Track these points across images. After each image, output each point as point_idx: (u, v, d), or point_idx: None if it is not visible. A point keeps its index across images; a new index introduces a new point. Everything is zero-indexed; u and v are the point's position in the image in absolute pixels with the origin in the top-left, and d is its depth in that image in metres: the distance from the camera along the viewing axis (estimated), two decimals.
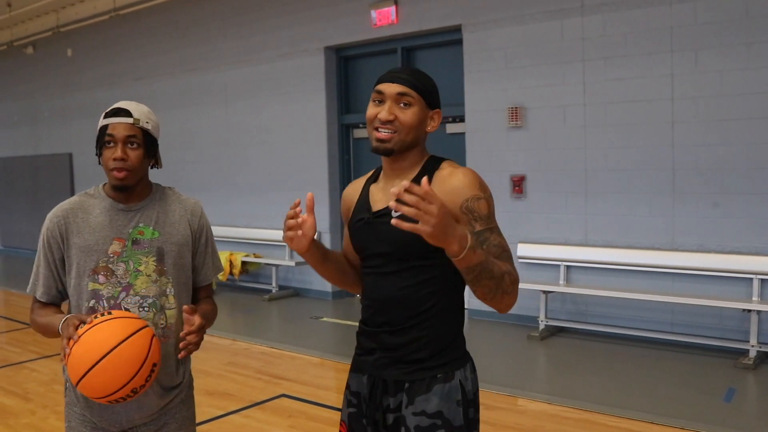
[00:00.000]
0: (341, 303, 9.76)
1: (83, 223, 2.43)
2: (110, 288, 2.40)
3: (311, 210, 2.24)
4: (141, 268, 2.43)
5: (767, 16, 6.39)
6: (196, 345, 2.35)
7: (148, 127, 2.43)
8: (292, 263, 9.88)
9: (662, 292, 6.90)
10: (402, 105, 2.17)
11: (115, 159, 2.36)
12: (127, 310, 2.39)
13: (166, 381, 2.50)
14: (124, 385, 2.13)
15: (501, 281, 1.99)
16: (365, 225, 2.27)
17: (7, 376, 6.46)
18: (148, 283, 2.43)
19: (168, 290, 2.48)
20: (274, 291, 10.23)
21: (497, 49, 8.02)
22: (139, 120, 2.40)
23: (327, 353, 7.10)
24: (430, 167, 2.23)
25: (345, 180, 9.94)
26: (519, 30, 7.84)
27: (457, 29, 8.41)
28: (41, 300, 2.51)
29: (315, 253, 2.30)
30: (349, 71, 10.02)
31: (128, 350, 2.13)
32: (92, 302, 2.40)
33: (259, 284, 10.61)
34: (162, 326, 2.45)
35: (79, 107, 14.03)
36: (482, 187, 2.14)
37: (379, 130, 2.17)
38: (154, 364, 2.20)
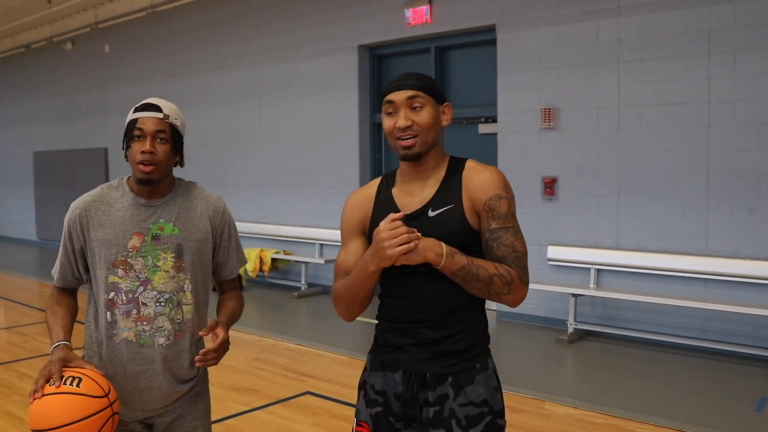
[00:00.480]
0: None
1: (104, 216, 2.45)
2: (128, 282, 2.42)
3: None
4: (159, 263, 2.44)
5: None
6: (216, 360, 2.39)
7: (177, 123, 2.46)
8: (322, 261, 9.90)
9: (694, 298, 6.78)
10: (414, 108, 2.22)
11: (143, 152, 2.37)
12: (144, 304, 2.42)
13: (180, 374, 2.53)
14: None
15: (490, 284, 2.12)
16: None
17: (38, 367, 6.50)
18: (165, 279, 2.45)
19: (186, 286, 2.49)
20: (303, 288, 10.26)
21: (531, 50, 7.96)
22: (168, 116, 2.43)
23: (354, 352, 7.09)
24: (456, 167, 2.30)
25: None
26: (554, 31, 7.77)
27: (491, 29, 8.35)
28: (57, 285, 2.58)
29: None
30: (382, 70, 10.01)
31: (77, 430, 2.14)
32: (111, 294, 2.43)
33: (288, 281, 10.65)
34: (179, 321, 2.48)
35: (115, 103, 14.20)
36: (506, 186, 2.23)
37: (402, 138, 2.22)
38: None
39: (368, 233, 2.35)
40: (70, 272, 2.54)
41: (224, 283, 2.72)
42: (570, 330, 7.42)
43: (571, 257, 7.65)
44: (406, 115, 2.20)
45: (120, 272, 2.42)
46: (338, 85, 10.00)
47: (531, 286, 7.29)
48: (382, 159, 10.00)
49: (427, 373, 2.24)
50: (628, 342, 7.26)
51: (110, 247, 2.42)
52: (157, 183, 2.47)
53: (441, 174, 2.29)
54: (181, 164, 2.56)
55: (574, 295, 7.39)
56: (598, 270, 7.52)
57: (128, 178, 2.56)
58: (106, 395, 2.22)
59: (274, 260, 10.53)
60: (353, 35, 9.78)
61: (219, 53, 11.79)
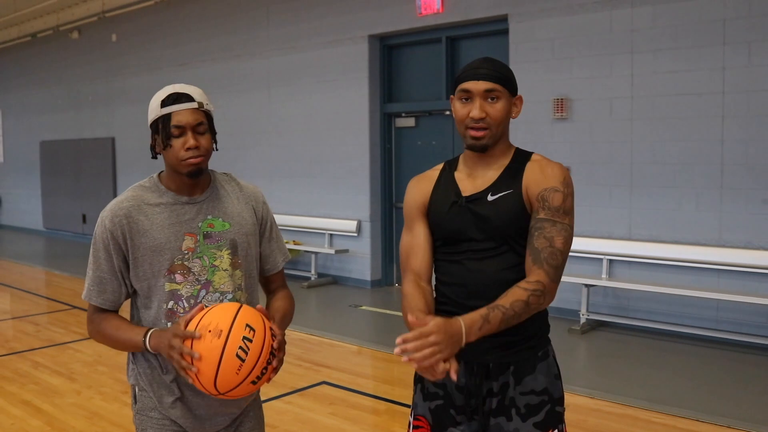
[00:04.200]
0: (380, 291, 9.77)
1: (148, 220, 2.25)
2: (189, 287, 2.25)
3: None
4: (216, 263, 2.29)
5: None
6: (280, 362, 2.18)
7: (210, 108, 2.32)
8: (332, 251, 9.91)
9: (707, 289, 6.78)
10: (490, 100, 2.21)
11: (188, 148, 2.20)
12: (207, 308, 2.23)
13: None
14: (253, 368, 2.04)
15: (529, 307, 2.08)
16: (460, 209, 2.26)
17: (52, 356, 6.56)
18: (225, 278, 2.30)
19: (242, 284, 2.35)
20: (313, 278, 10.27)
21: (544, 40, 7.94)
22: (202, 103, 2.26)
23: (366, 342, 7.12)
24: (521, 157, 2.30)
25: (386, 169, 9.92)
26: (567, 20, 7.75)
27: (504, 19, 8.33)
28: (101, 307, 2.31)
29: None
30: (392, 60, 9.99)
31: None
32: (171, 304, 2.26)
33: (298, 271, 10.64)
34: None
35: (122, 92, 14.19)
36: (566, 182, 2.21)
37: (473, 128, 2.21)
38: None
39: (427, 213, 2.36)
40: (117, 289, 2.30)
41: (270, 279, 2.55)
42: (582, 320, 7.43)
43: (584, 248, 7.64)
44: (482, 106, 2.20)
45: (178, 278, 2.25)
46: (348, 75, 9.98)
47: None
48: (392, 149, 9.99)
49: (490, 363, 2.23)
50: (640, 332, 7.27)
51: (162, 252, 2.23)
52: (200, 176, 2.31)
53: (505, 161, 2.29)
54: (215, 148, 2.39)
55: (586, 285, 7.39)
56: (611, 260, 7.52)
57: (159, 174, 2.36)
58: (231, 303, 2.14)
59: None
60: (363, 25, 9.75)
61: (228, 43, 11.76)
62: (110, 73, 14.57)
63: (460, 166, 2.37)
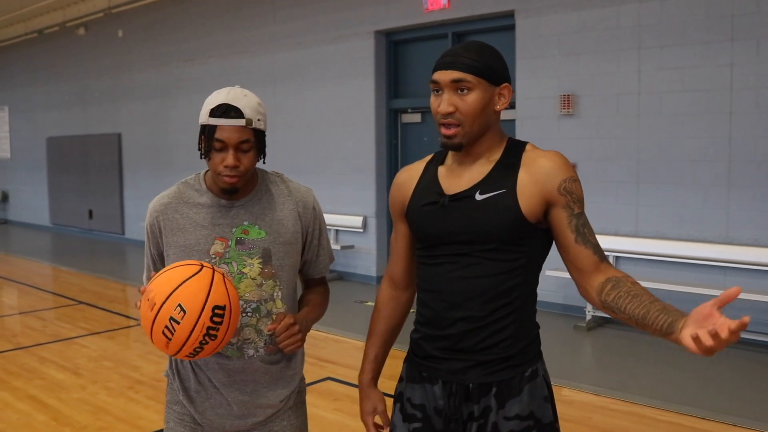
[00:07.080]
0: None
1: (183, 219, 2.24)
2: None
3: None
4: (245, 270, 2.21)
5: None
6: (288, 339, 2.17)
7: (261, 126, 2.16)
8: (338, 247, 9.90)
9: (714, 286, 6.75)
10: (459, 92, 1.94)
11: (226, 166, 2.12)
12: None
13: (271, 389, 2.34)
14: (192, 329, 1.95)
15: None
16: (439, 209, 2.01)
17: (59, 351, 6.57)
18: (252, 287, 2.22)
19: (275, 294, 2.26)
20: None
21: (550, 36, 7.91)
22: (251, 120, 2.12)
23: None
24: (514, 149, 2.03)
25: (392, 165, 9.91)
26: (573, 16, 7.72)
27: (510, 15, 8.30)
28: None
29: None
30: (398, 56, 9.97)
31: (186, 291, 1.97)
32: None
33: None
34: (270, 333, 2.24)
35: (128, 88, 14.20)
36: (573, 169, 1.99)
37: (443, 125, 1.97)
38: (217, 307, 1.98)
39: (406, 212, 2.14)
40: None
41: (310, 281, 2.50)
42: (588, 317, 7.41)
43: None
44: (450, 99, 1.93)
45: None
46: (354, 71, 9.97)
47: (549, 272, 7.32)
48: (398, 145, 9.97)
49: (470, 383, 2.00)
50: None
51: (190, 254, 2.20)
52: (235, 193, 2.24)
53: (496, 156, 2.02)
54: (264, 158, 2.28)
55: None
56: (617, 257, 7.49)
57: (205, 174, 2.30)
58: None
59: None
60: (370, 21, 9.74)
61: (233, 39, 11.76)
62: (116, 69, 14.59)
63: (447, 159, 2.11)
